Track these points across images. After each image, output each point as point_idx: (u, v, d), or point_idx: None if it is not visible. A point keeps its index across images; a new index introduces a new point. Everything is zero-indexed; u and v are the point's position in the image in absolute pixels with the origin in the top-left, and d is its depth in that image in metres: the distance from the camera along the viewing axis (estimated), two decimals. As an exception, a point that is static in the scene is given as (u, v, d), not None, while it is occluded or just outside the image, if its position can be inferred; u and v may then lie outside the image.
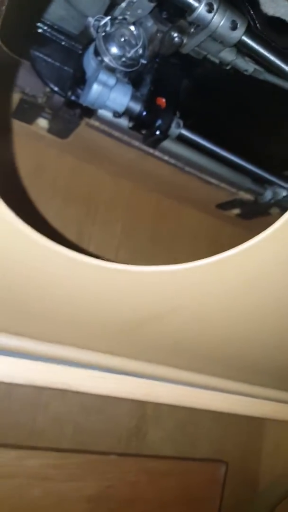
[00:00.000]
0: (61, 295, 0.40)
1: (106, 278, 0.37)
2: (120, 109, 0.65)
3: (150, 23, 0.62)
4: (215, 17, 0.52)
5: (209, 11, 0.52)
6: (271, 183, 0.88)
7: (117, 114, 0.66)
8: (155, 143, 0.72)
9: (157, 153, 0.87)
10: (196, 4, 0.52)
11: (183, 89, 0.70)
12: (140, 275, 0.37)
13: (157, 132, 0.67)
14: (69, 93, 0.67)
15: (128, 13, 0.61)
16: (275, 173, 0.86)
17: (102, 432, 0.89)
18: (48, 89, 0.73)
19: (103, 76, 0.62)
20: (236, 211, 1.10)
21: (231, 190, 0.98)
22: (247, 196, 1.00)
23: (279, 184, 0.86)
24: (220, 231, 1.17)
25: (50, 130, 0.87)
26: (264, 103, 0.77)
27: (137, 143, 0.85)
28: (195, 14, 0.52)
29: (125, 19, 0.62)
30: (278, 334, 0.47)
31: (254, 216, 1.09)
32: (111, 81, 0.62)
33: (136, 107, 0.66)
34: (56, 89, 0.69)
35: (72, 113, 0.72)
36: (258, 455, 1.09)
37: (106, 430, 0.90)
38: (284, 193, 0.87)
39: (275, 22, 0.54)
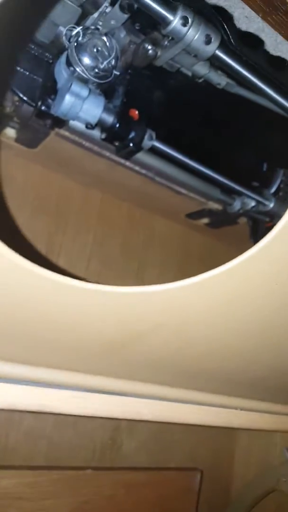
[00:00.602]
0: (36, 317, 0.38)
1: (85, 300, 0.35)
2: (93, 120, 0.63)
3: (123, 34, 0.61)
4: (189, 30, 0.52)
5: (184, 24, 0.51)
6: (239, 194, 0.88)
7: (89, 126, 0.64)
8: (128, 155, 0.71)
9: (128, 163, 0.86)
10: (171, 17, 0.51)
11: (155, 100, 0.69)
12: (123, 297, 0.35)
13: (131, 144, 0.65)
14: (39, 103, 0.65)
15: (101, 23, 0.60)
16: (243, 184, 0.86)
17: (76, 446, 0.87)
18: (16, 98, 0.71)
19: (76, 87, 0.60)
20: (205, 220, 1.10)
21: (200, 200, 0.97)
22: (216, 206, 1.00)
23: (247, 194, 0.86)
24: (190, 239, 1.17)
25: (18, 140, 0.84)
26: (233, 115, 0.77)
27: (107, 153, 0.83)
28: (169, 27, 0.51)
29: (97, 29, 0.60)
30: (255, 348, 0.46)
31: (223, 225, 1.09)
32: (84, 92, 0.60)
33: (109, 118, 0.65)
34: (25, 98, 0.67)
35: (42, 123, 0.70)
36: (230, 461, 1.09)
37: (81, 444, 0.87)
38: (252, 204, 0.88)
39: (248, 37, 0.54)
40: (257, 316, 0.41)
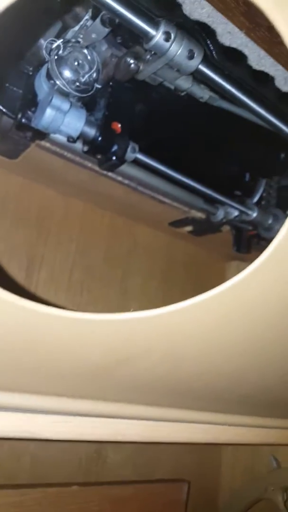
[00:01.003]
0: (19, 346, 0.36)
1: (69, 329, 0.34)
2: (75, 134, 0.62)
3: (104, 47, 0.59)
4: (172, 46, 0.50)
5: (167, 39, 0.50)
6: (223, 204, 0.87)
7: (71, 139, 0.62)
8: (111, 168, 0.69)
9: (110, 174, 0.84)
10: (153, 32, 0.49)
11: (137, 113, 0.67)
12: (108, 324, 0.34)
13: (113, 158, 0.64)
14: (20, 116, 0.63)
15: (82, 36, 0.58)
16: (226, 194, 0.85)
17: (61, 462, 0.85)
18: (-4, 110, 0.69)
19: (57, 100, 0.58)
20: (189, 228, 1.10)
21: (184, 209, 0.97)
22: (199, 214, 0.99)
23: (230, 204, 0.85)
24: (173, 247, 1.16)
25: (-2, 151, 0.82)
26: (216, 127, 0.76)
27: (89, 164, 0.82)
28: (152, 42, 0.50)
29: (78, 42, 0.59)
30: (241, 368, 0.46)
31: (206, 233, 1.09)
32: (65, 106, 0.59)
33: (91, 131, 0.63)
34: (5, 110, 0.65)
35: (22, 135, 0.68)
36: (217, 470, 1.08)
37: (65, 459, 0.85)
38: (235, 213, 0.87)
39: (231, 52, 0.53)
40: (244, 338, 0.40)
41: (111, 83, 0.63)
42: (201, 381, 0.46)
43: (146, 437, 0.50)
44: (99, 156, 0.66)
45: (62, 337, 0.35)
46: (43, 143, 0.75)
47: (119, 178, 0.86)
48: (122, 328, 0.35)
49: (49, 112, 0.58)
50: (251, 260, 1.08)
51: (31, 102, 0.63)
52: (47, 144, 0.76)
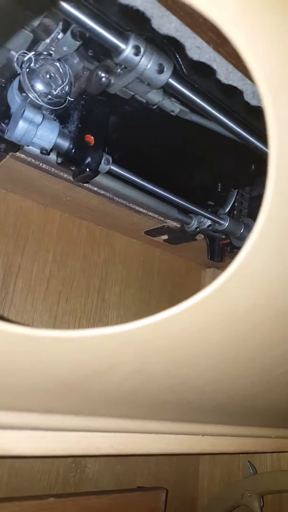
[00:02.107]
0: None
1: (35, 347, 0.32)
2: (48, 146, 0.60)
3: (76, 60, 0.58)
4: (142, 59, 0.49)
5: (136, 54, 0.49)
6: (196, 213, 0.87)
7: (44, 151, 0.61)
8: (85, 180, 0.68)
9: (85, 184, 0.83)
10: (123, 46, 0.48)
11: (110, 125, 0.66)
12: (77, 341, 0.32)
13: (87, 170, 0.62)
14: (-8, 128, 0.61)
15: (53, 49, 0.57)
16: (199, 203, 0.85)
17: (38, 472, 0.82)
18: None
19: (29, 113, 0.56)
20: (164, 236, 1.09)
21: (159, 219, 0.96)
22: (174, 224, 0.99)
23: (203, 214, 0.85)
24: (150, 255, 1.15)
25: (-27, 162, 0.79)
26: (188, 139, 0.76)
27: (65, 175, 0.80)
28: (122, 56, 0.49)
29: (50, 55, 0.57)
30: (214, 380, 0.45)
31: (181, 242, 1.08)
32: (38, 118, 0.57)
33: (64, 144, 0.62)
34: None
35: (-4, 148, 0.66)
36: (195, 476, 1.06)
37: (43, 470, 0.83)
38: (208, 223, 0.87)
39: (200, 66, 0.52)
40: (215, 350, 0.39)
41: (84, 96, 0.62)
42: (174, 393, 0.44)
43: (120, 449, 0.48)
44: (73, 168, 0.65)
45: (29, 354, 0.33)
46: (18, 154, 0.73)
47: (95, 189, 0.85)
48: (90, 345, 0.33)
49: (21, 124, 0.56)
50: (226, 267, 1.07)
51: (4, 114, 0.61)
52: (22, 155, 0.74)
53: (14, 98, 0.59)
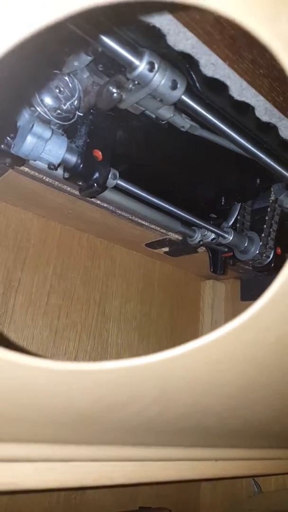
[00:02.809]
0: (3, 396, 0.33)
1: (54, 380, 0.30)
2: (56, 161, 0.59)
3: (85, 75, 0.57)
4: (156, 76, 0.48)
5: (150, 70, 0.48)
6: (200, 227, 0.86)
7: (52, 166, 0.59)
8: (91, 195, 0.66)
9: (89, 198, 0.81)
10: (137, 62, 0.47)
11: (118, 140, 0.65)
12: (99, 374, 0.30)
13: (95, 185, 0.61)
14: (-2, 142, 0.59)
15: (63, 64, 0.56)
16: (202, 217, 0.84)
17: (39, 495, 0.79)
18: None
19: (38, 128, 0.55)
20: (165, 249, 1.07)
21: (161, 231, 0.95)
22: (176, 236, 0.97)
23: (207, 228, 0.84)
24: (150, 268, 1.14)
25: (-26, 175, 0.77)
26: (194, 154, 0.75)
27: (68, 188, 0.79)
28: (136, 72, 0.48)
29: (60, 69, 0.56)
30: (232, 407, 0.43)
31: (182, 254, 1.07)
32: (47, 133, 0.55)
33: (72, 159, 0.60)
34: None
35: (1, 161, 0.64)
36: (196, 495, 1.04)
37: (44, 492, 0.80)
38: (212, 236, 0.86)
39: (213, 82, 0.51)
40: (237, 379, 0.37)
41: (92, 111, 0.61)
42: (191, 420, 0.43)
43: (133, 478, 0.46)
44: (80, 183, 0.63)
45: (47, 387, 0.32)
46: (21, 167, 0.72)
47: (98, 202, 0.84)
48: (110, 377, 0.31)
49: (30, 139, 0.55)
50: (225, 279, 1.07)
51: (10, 128, 0.59)
52: (26, 169, 0.72)
53: (21, 112, 0.57)
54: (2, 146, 0.59)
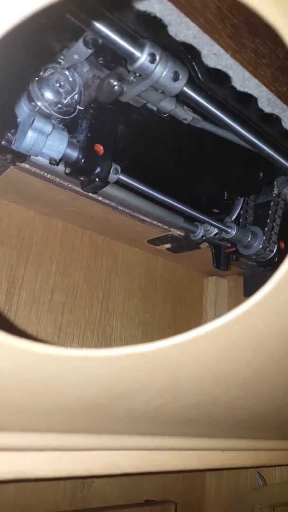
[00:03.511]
0: (10, 385, 0.32)
1: (63, 367, 0.30)
2: (57, 156, 0.58)
3: (86, 68, 0.56)
4: (157, 67, 0.48)
5: (152, 61, 0.47)
6: (202, 222, 0.85)
7: (53, 162, 0.59)
8: (94, 190, 0.66)
9: (91, 194, 0.81)
10: (138, 54, 0.47)
11: (120, 134, 0.65)
12: (108, 360, 0.30)
13: (96, 180, 0.61)
14: (-1, 138, 0.59)
15: (63, 57, 0.55)
16: (205, 212, 0.83)
17: (46, 488, 0.79)
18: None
19: (39, 123, 0.54)
20: (167, 245, 1.07)
21: (163, 227, 0.94)
22: (179, 232, 0.97)
23: (210, 223, 0.83)
24: (153, 264, 1.13)
25: (-25, 172, 0.77)
26: (196, 147, 0.74)
27: (69, 184, 0.78)
28: (137, 64, 0.47)
29: (59, 63, 0.56)
30: (239, 397, 0.43)
31: (184, 250, 1.07)
32: (48, 128, 0.55)
33: (74, 154, 0.60)
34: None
35: (2, 158, 0.64)
36: (201, 488, 1.04)
37: (50, 486, 0.80)
38: (215, 231, 0.85)
39: (215, 73, 0.51)
40: (245, 367, 0.37)
41: (93, 105, 0.60)
42: (199, 410, 0.42)
43: (141, 467, 0.46)
44: (81, 178, 0.63)
45: (54, 374, 0.31)
46: (22, 164, 0.71)
47: (100, 198, 0.83)
48: (120, 364, 0.31)
49: (30, 134, 0.54)
50: (228, 275, 1.06)
51: (10, 123, 0.59)
52: (27, 166, 0.72)
53: (21, 107, 0.57)
54: (3, 142, 0.59)
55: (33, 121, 0.54)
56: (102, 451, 0.44)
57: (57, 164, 0.60)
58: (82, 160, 0.60)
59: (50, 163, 0.59)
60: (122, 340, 1.01)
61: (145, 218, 0.91)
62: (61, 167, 0.67)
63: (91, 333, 0.96)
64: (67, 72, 0.56)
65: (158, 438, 0.47)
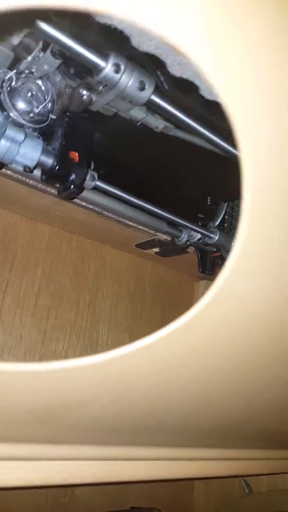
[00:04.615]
0: None
1: (12, 379, 0.31)
2: (31, 164, 0.59)
3: (58, 77, 0.57)
4: (122, 77, 0.49)
5: (116, 71, 0.48)
6: (184, 227, 0.86)
7: (28, 169, 0.60)
8: (69, 196, 0.67)
9: (74, 200, 0.82)
10: (102, 64, 0.48)
11: (95, 142, 0.66)
12: (53, 373, 0.31)
13: (72, 186, 0.62)
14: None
15: (35, 67, 0.56)
16: (189, 217, 0.84)
17: (27, 493, 0.80)
18: None
19: (10, 132, 0.55)
20: (156, 249, 1.08)
21: (149, 232, 0.95)
22: (165, 237, 0.98)
23: (192, 228, 0.84)
24: (141, 268, 1.14)
25: None
26: (174, 154, 0.75)
27: (52, 190, 0.79)
28: (102, 74, 0.48)
29: (32, 73, 0.57)
30: (195, 404, 0.43)
31: (172, 254, 1.07)
32: (20, 136, 0.56)
33: (48, 161, 0.61)
34: None
35: (-20, 165, 0.65)
36: (190, 496, 1.04)
37: (31, 492, 0.81)
38: (198, 236, 0.86)
39: (183, 82, 0.52)
40: (195, 377, 0.38)
41: (68, 113, 0.61)
42: (156, 419, 0.43)
43: (104, 477, 0.46)
44: (57, 185, 0.64)
45: (4, 386, 0.32)
46: (4, 170, 0.73)
47: (83, 203, 0.84)
48: (67, 376, 0.32)
49: (3, 143, 0.56)
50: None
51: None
52: (8, 172, 0.73)
53: (-4, 116, 0.58)
54: (-19, 150, 0.60)
55: (5, 130, 0.56)
56: (61, 461, 0.44)
57: (32, 171, 0.61)
58: (57, 167, 0.61)
59: (25, 170, 0.60)
60: (109, 345, 1.02)
61: (130, 223, 0.91)
62: (39, 174, 0.68)
63: (77, 337, 0.97)
64: (39, 82, 0.57)
65: (120, 448, 0.47)
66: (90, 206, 0.85)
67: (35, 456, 0.42)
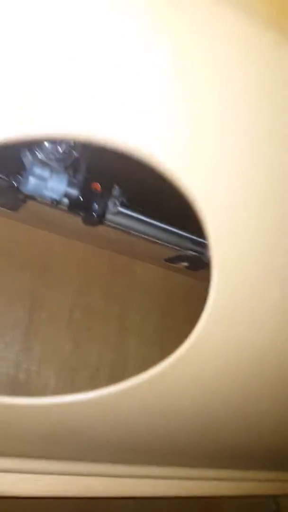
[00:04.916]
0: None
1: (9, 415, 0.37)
2: (58, 196, 0.66)
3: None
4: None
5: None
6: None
7: (55, 202, 0.66)
8: (93, 224, 0.73)
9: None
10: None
11: (116, 172, 0.71)
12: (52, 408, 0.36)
13: (94, 215, 0.68)
14: (11, 179, 0.68)
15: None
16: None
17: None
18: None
19: (37, 169, 0.62)
20: (185, 263, 1.12)
21: (175, 248, 0.99)
22: (191, 252, 1.02)
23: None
24: (171, 281, 1.18)
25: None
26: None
27: (84, 213, 0.86)
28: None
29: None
30: (183, 432, 0.47)
31: (200, 269, 1.11)
32: (46, 173, 0.63)
33: (74, 192, 0.67)
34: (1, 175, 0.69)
35: (17, 197, 0.73)
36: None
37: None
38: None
39: None
40: (180, 410, 0.42)
41: (89, 147, 0.67)
42: (159, 440, 0.47)
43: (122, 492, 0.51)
44: (81, 214, 0.70)
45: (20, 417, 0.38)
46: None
47: (112, 225, 0.90)
48: (68, 410, 0.37)
49: (31, 180, 0.63)
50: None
51: (21, 168, 0.67)
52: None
53: (26, 155, 0.65)
54: (16, 184, 0.68)
55: (33, 168, 0.62)
56: (79, 476, 0.50)
57: (58, 203, 0.67)
58: (81, 198, 0.67)
59: (52, 203, 0.67)
60: (138, 357, 1.06)
61: (156, 240, 0.96)
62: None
63: (108, 349, 1.03)
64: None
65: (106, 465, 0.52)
66: (118, 227, 0.91)
67: (55, 471, 0.47)
